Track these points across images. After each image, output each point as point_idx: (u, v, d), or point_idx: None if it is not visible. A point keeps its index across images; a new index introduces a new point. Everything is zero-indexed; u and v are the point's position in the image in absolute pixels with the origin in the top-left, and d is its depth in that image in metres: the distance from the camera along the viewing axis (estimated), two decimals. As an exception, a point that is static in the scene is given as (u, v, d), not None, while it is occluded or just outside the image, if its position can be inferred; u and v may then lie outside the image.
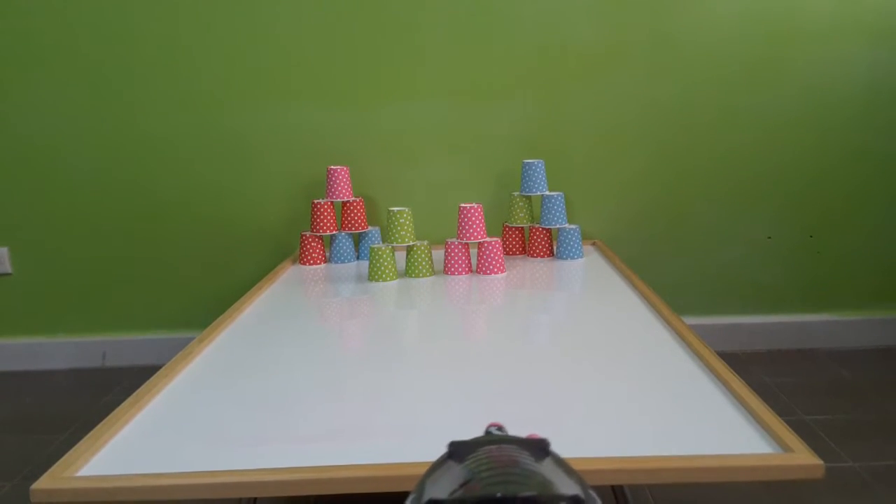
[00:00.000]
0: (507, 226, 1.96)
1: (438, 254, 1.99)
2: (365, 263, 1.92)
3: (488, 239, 1.79)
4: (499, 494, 0.40)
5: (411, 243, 1.75)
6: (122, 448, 0.91)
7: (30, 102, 2.05)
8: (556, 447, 0.87)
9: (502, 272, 1.77)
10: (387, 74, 2.04)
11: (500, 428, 0.59)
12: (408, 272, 1.75)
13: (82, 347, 2.21)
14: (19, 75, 2.04)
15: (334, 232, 1.94)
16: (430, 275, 1.75)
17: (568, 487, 0.42)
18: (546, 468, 0.44)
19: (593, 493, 0.44)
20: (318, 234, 1.93)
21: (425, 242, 1.75)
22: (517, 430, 0.92)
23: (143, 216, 2.12)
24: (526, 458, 0.44)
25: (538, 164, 1.91)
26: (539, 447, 0.46)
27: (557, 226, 1.89)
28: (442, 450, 0.86)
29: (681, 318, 1.30)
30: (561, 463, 0.46)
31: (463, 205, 1.78)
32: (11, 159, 2.09)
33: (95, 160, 2.09)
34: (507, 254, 1.96)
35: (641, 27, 2.00)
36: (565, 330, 1.30)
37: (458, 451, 0.47)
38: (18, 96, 2.05)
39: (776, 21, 1.99)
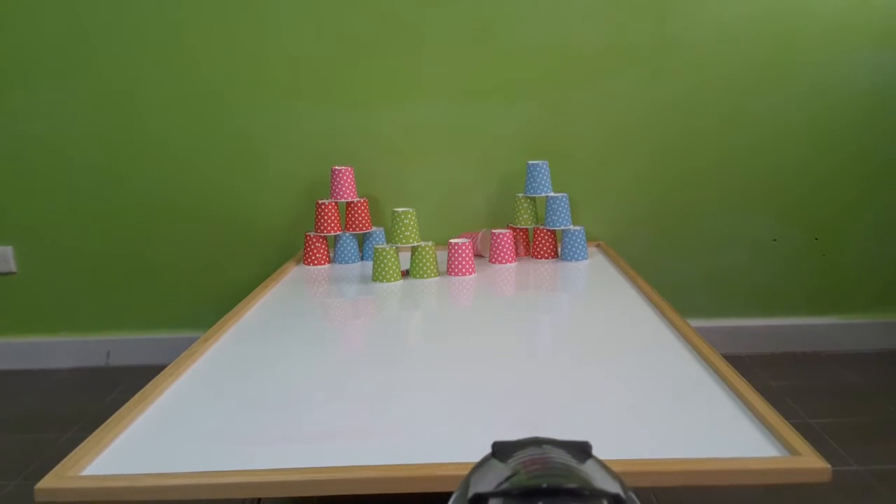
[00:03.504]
0: (511, 227, 1.96)
1: (442, 254, 1.99)
2: (369, 264, 1.92)
3: (499, 231, 1.83)
4: (544, 485, 0.41)
5: (416, 244, 1.75)
6: (127, 447, 0.91)
7: (34, 102, 2.06)
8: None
9: (513, 262, 1.84)
10: (391, 75, 2.04)
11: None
12: (413, 273, 1.75)
13: (86, 346, 2.22)
14: (24, 75, 2.04)
15: (338, 232, 1.94)
16: (436, 276, 1.75)
17: (610, 487, 0.43)
18: (588, 468, 0.45)
19: (634, 496, 0.45)
20: (322, 234, 1.92)
21: (430, 243, 1.75)
22: (521, 432, 0.91)
23: (148, 216, 2.13)
24: (568, 459, 0.45)
25: (542, 165, 1.91)
26: (581, 449, 0.47)
27: (562, 227, 1.88)
28: (444, 450, 0.86)
29: (686, 321, 1.29)
30: (602, 465, 0.47)
31: (452, 241, 1.76)
32: (16, 158, 2.09)
33: (100, 160, 2.09)
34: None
35: (646, 29, 1.99)
36: (570, 332, 1.29)
37: (501, 450, 0.48)
38: (23, 96, 2.05)
39: (780, 23, 1.98)
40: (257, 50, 2.02)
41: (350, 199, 1.95)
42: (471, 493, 0.44)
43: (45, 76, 2.04)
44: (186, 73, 2.04)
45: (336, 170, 1.94)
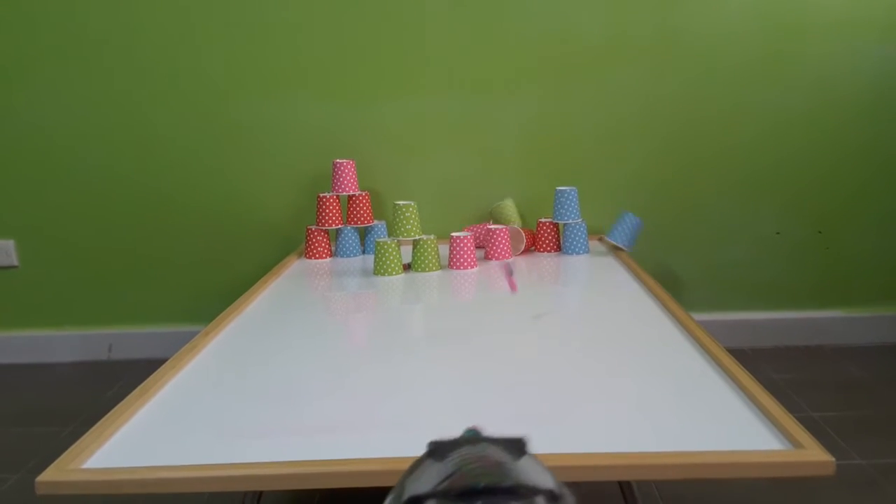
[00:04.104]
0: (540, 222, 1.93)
1: (443, 248, 1.99)
2: (370, 258, 1.91)
3: (496, 227, 1.82)
4: (482, 485, 0.40)
5: (417, 237, 1.75)
6: (128, 440, 0.90)
7: (36, 96, 2.05)
8: (564, 443, 0.86)
9: (508, 257, 1.83)
10: (393, 68, 2.03)
11: (477, 430, 0.60)
12: (414, 266, 1.74)
13: (88, 340, 2.22)
14: (26, 69, 2.03)
15: (340, 226, 1.93)
16: (438, 269, 1.74)
17: (545, 482, 0.43)
18: (524, 465, 0.45)
19: (567, 490, 0.45)
20: (324, 228, 1.92)
21: (432, 237, 1.74)
22: (523, 425, 0.91)
23: (149, 209, 2.12)
24: (504, 456, 0.45)
25: (571, 191, 1.89)
26: (516, 446, 0.47)
27: (566, 221, 1.87)
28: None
29: (689, 314, 1.29)
30: (537, 461, 0.47)
31: (454, 234, 1.76)
32: (18, 152, 2.09)
33: (101, 153, 2.09)
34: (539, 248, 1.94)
35: (648, 21, 1.98)
36: (572, 325, 1.29)
37: (437, 450, 0.47)
38: (25, 90, 2.05)
39: (784, 15, 1.97)
40: (259, 44, 2.01)
41: (352, 193, 1.94)
42: (406, 496, 0.43)
43: (45, 71, 2.03)
44: (188, 67, 2.03)
45: (338, 163, 1.93)
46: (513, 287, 1.31)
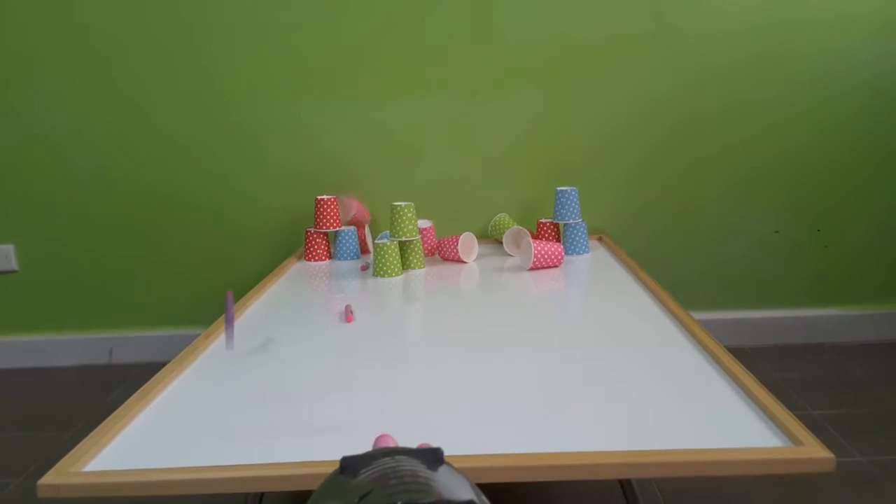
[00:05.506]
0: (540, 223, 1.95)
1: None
2: (369, 259, 1.92)
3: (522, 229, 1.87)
4: (400, 503, 0.39)
5: (413, 238, 1.76)
6: (129, 443, 0.91)
7: (36, 100, 2.05)
8: (564, 442, 0.86)
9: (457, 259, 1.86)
10: (392, 71, 2.03)
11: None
12: (404, 265, 1.76)
13: (89, 344, 2.22)
14: (25, 72, 2.04)
15: (339, 228, 1.93)
16: (399, 274, 1.74)
17: (464, 493, 0.42)
18: (442, 476, 0.43)
19: (486, 500, 0.44)
20: (323, 230, 1.92)
21: (417, 237, 1.77)
22: (523, 424, 0.91)
23: (150, 213, 2.12)
24: (421, 468, 0.44)
25: (572, 191, 1.90)
26: (433, 457, 0.46)
27: (566, 221, 1.88)
28: (446, 443, 0.86)
29: (689, 313, 1.29)
30: (454, 470, 0.46)
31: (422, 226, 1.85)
32: (18, 156, 2.09)
33: (102, 157, 2.09)
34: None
35: (648, 20, 1.98)
36: (573, 325, 1.29)
37: (350, 465, 0.45)
38: (25, 93, 2.05)
39: (783, 13, 1.97)
40: (259, 47, 2.01)
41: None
42: None
43: (45, 74, 2.04)
44: (188, 71, 2.03)
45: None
46: (348, 319, 1.36)
